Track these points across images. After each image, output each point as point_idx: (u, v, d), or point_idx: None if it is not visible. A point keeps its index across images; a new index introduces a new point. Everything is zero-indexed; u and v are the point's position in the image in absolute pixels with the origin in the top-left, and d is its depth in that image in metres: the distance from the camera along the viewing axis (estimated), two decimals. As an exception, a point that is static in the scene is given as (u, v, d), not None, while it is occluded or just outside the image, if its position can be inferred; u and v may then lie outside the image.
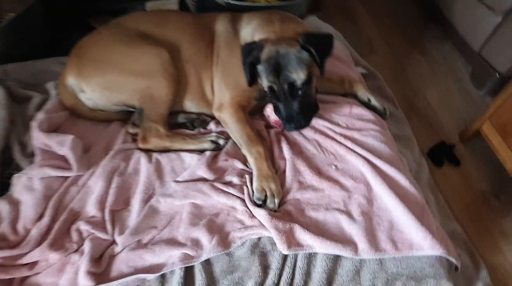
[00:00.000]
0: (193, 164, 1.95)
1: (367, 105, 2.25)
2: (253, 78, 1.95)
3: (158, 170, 1.95)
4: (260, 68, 1.89)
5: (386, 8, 3.75)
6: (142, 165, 1.96)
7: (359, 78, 2.45)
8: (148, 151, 2.03)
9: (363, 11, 3.65)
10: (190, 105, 2.18)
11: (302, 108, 1.91)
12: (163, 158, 2.00)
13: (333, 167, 1.95)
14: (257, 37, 1.97)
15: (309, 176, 1.90)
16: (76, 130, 2.07)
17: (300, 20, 2.09)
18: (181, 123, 2.18)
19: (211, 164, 1.95)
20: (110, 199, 1.81)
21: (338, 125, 2.11)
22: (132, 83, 2.02)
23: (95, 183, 1.86)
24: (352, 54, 2.77)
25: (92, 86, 2.04)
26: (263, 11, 2.15)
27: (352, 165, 1.95)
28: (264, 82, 1.91)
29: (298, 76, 1.84)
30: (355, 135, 2.06)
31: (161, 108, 2.05)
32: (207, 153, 1.99)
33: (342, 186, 1.87)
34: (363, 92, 2.28)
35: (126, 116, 2.18)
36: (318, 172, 1.93)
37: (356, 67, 2.59)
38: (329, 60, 1.94)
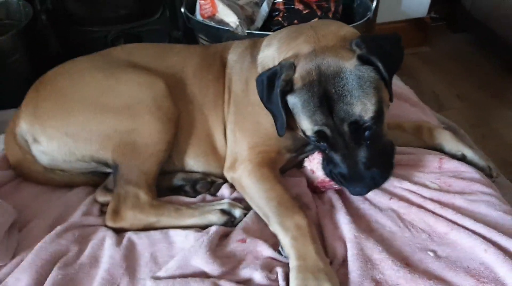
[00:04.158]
0: (186, 248, 1.15)
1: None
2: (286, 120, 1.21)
3: (130, 259, 1.17)
4: (295, 101, 1.18)
5: (451, 62, 3.21)
6: (106, 250, 1.19)
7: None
8: (120, 230, 1.28)
9: (421, 66, 3.08)
10: (195, 163, 1.46)
11: (374, 158, 1.14)
12: (141, 240, 1.22)
13: (431, 254, 1.12)
14: (281, 59, 1.27)
15: (391, 270, 1.06)
16: (20, 197, 1.38)
17: (340, 22, 1.39)
18: (176, 187, 1.43)
19: (217, 249, 1.15)
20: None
21: (426, 186, 1.31)
22: (107, 125, 1.32)
23: (17, 281, 1.08)
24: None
25: (49, 132, 1.35)
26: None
27: (465, 251, 1.12)
28: (305, 124, 1.17)
29: (365, 108, 1.11)
30: (458, 201, 1.25)
31: (146, 164, 1.32)
32: (212, 229, 1.20)
33: (452, 289, 1.02)
34: (453, 144, 1.49)
35: (98, 178, 1.46)
36: (406, 263, 1.09)
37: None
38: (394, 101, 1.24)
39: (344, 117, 1.11)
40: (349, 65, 1.12)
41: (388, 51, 1.15)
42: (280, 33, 1.40)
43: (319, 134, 1.16)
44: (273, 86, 1.17)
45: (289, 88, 1.17)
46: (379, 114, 1.13)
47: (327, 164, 1.21)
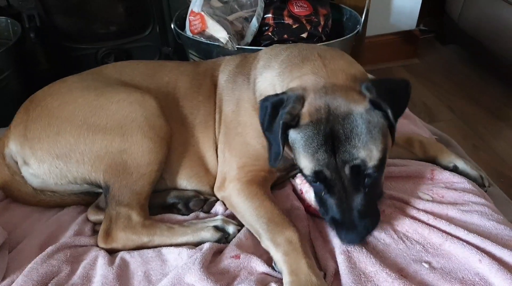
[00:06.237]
0: (180, 265, 1.14)
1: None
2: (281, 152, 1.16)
3: (123, 278, 1.15)
4: (297, 136, 1.12)
5: (440, 74, 3.22)
6: (98, 269, 1.17)
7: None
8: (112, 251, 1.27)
9: (411, 78, 3.05)
10: (188, 184, 1.44)
11: (368, 206, 1.11)
12: (134, 258, 1.21)
13: (425, 265, 1.11)
14: (284, 86, 1.23)
15: (385, 282, 1.06)
16: (9, 217, 1.36)
17: (349, 56, 1.34)
18: (169, 205, 1.42)
19: (211, 266, 1.14)
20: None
21: (418, 198, 1.31)
22: (98, 145, 1.29)
23: (8, 303, 1.07)
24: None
25: (39, 155, 1.31)
26: (291, 44, 1.50)
27: (459, 262, 1.12)
28: (304, 162, 1.11)
29: (370, 154, 1.07)
30: (451, 212, 1.25)
31: (138, 184, 1.30)
32: (205, 246, 1.19)
33: (448, 301, 1.02)
34: (445, 156, 1.50)
35: (89, 198, 1.43)
36: (401, 274, 1.09)
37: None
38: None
39: (348, 160, 1.06)
40: (360, 109, 1.08)
41: (396, 97, 1.12)
42: (281, 55, 1.34)
43: (318, 175, 1.10)
44: (276, 115, 1.12)
45: (294, 123, 1.11)
46: (382, 162, 1.11)
47: (320, 204, 1.17)
